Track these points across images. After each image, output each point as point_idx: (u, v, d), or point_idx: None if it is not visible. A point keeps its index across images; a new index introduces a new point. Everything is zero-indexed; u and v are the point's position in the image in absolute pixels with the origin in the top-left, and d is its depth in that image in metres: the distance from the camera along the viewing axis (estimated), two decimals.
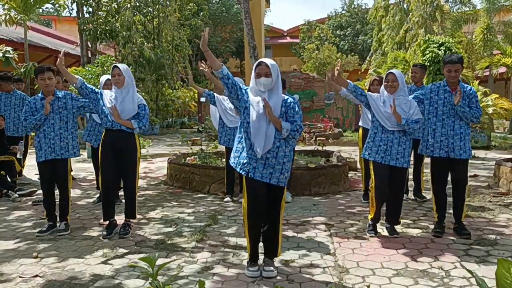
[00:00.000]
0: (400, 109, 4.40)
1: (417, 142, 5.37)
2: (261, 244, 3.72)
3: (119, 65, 4.69)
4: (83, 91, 4.60)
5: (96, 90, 4.68)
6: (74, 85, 4.56)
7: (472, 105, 4.57)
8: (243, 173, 3.55)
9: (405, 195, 6.15)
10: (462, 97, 4.51)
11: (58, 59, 4.48)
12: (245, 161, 3.52)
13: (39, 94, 4.90)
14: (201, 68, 5.09)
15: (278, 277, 3.58)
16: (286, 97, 3.63)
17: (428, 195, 6.04)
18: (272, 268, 3.62)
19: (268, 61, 3.54)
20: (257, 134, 3.44)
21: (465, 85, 4.66)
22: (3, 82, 7.45)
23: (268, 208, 3.61)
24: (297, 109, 3.60)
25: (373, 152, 4.52)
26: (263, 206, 3.56)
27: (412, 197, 6.33)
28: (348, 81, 4.62)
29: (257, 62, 3.58)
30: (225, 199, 6.33)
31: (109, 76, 5.90)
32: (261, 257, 3.73)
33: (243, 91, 3.60)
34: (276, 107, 3.50)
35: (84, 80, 4.64)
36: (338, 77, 4.52)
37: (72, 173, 6.59)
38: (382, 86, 4.59)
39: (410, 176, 6.48)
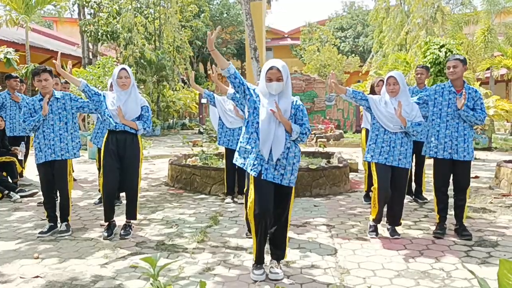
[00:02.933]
0: (403, 111, 4.39)
1: (419, 144, 5.37)
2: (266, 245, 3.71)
3: (126, 67, 4.70)
4: (86, 94, 4.61)
5: (99, 92, 4.69)
6: (78, 88, 4.57)
7: (476, 107, 4.55)
8: (254, 174, 3.48)
9: (408, 196, 6.16)
10: (466, 100, 4.50)
11: (56, 65, 4.48)
12: (255, 162, 3.47)
13: (38, 95, 4.90)
14: (209, 72, 5.06)
15: None
16: (294, 99, 3.59)
17: (429, 196, 6.04)
18: (279, 270, 3.59)
19: (279, 64, 3.45)
20: (267, 137, 3.38)
21: (471, 87, 4.65)
22: (12, 79, 7.46)
23: (277, 209, 3.58)
24: (305, 111, 3.59)
25: (376, 154, 4.51)
26: (272, 207, 3.54)
27: (413, 198, 6.31)
28: (347, 88, 4.61)
29: (268, 65, 3.46)
30: (226, 200, 6.32)
31: None
32: (266, 258, 3.72)
33: (251, 91, 3.54)
34: (287, 109, 3.46)
35: (87, 82, 4.64)
36: (336, 88, 4.50)
37: (73, 174, 6.59)
38: (383, 88, 4.58)
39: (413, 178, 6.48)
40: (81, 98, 4.95)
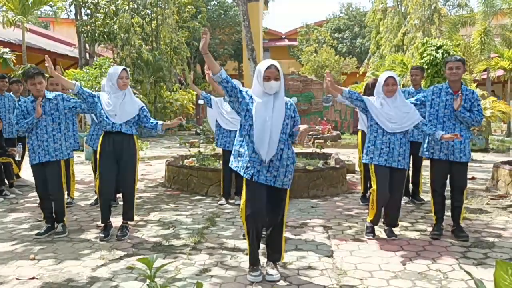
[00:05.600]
0: (399, 110, 4.39)
1: (416, 144, 5.37)
2: (263, 246, 3.71)
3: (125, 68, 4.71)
4: (80, 96, 4.58)
5: (93, 93, 4.66)
6: (71, 90, 4.54)
7: (473, 109, 4.55)
8: (247, 177, 3.48)
9: (405, 197, 6.17)
10: (463, 101, 4.50)
11: (49, 69, 4.42)
12: (248, 164, 3.47)
13: (30, 97, 4.87)
14: (206, 72, 5.01)
15: None
16: (286, 99, 3.60)
17: (426, 197, 6.05)
18: (275, 272, 3.58)
19: (276, 63, 3.49)
20: (261, 138, 3.38)
21: (468, 89, 4.65)
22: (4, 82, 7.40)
23: (272, 211, 3.58)
24: (296, 110, 3.66)
25: (376, 156, 4.48)
26: (264, 210, 3.54)
27: (410, 199, 6.32)
28: (343, 88, 4.60)
29: (265, 64, 3.47)
30: (219, 202, 6.30)
31: None
32: (262, 260, 3.71)
33: (243, 93, 3.54)
34: (281, 109, 3.46)
35: (80, 84, 4.61)
36: (332, 87, 4.49)
37: None
38: (378, 89, 4.55)
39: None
40: (74, 98, 4.91)
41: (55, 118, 4.82)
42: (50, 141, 4.78)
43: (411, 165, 6.04)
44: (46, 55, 4.65)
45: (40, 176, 4.84)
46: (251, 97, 3.51)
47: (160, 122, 4.85)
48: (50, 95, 4.86)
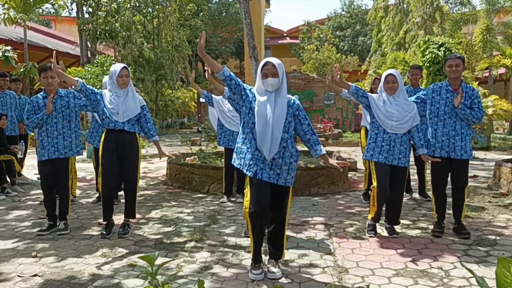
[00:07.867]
0: (401, 109, 4.39)
1: None
2: (264, 244, 3.71)
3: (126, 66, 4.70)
4: (83, 93, 4.57)
5: (96, 91, 4.65)
6: (74, 87, 4.54)
7: (474, 106, 4.55)
8: (250, 175, 3.48)
9: (408, 195, 6.17)
10: (464, 98, 4.50)
11: (52, 65, 4.43)
12: (251, 162, 3.47)
13: (41, 93, 4.90)
14: (206, 69, 5.01)
15: None
16: (290, 97, 3.60)
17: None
18: (277, 270, 3.59)
19: (275, 60, 3.47)
20: (263, 136, 3.38)
21: (468, 86, 4.65)
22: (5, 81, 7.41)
23: (274, 209, 3.59)
24: (304, 111, 3.64)
25: (376, 153, 4.50)
26: (268, 207, 3.54)
27: (418, 197, 6.31)
28: (350, 83, 4.61)
29: (263, 62, 3.49)
30: (221, 200, 6.30)
31: None
32: (264, 257, 3.71)
33: (247, 91, 3.55)
34: (283, 107, 3.46)
35: (84, 81, 4.61)
36: (340, 81, 4.50)
37: None
38: (381, 87, 4.57)
39: (413, 177, 6.48)
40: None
41: (65, 116, 4.84)
42: (60, 138, 4.80)
43: (413, 162, 6.04)
44: (55, 51, 4.65)
45: (46, 173, 4.85)
46: (254, 95, 3.52)
47: (157, 138, 4.89)
48: (62, 92, 4.88)
